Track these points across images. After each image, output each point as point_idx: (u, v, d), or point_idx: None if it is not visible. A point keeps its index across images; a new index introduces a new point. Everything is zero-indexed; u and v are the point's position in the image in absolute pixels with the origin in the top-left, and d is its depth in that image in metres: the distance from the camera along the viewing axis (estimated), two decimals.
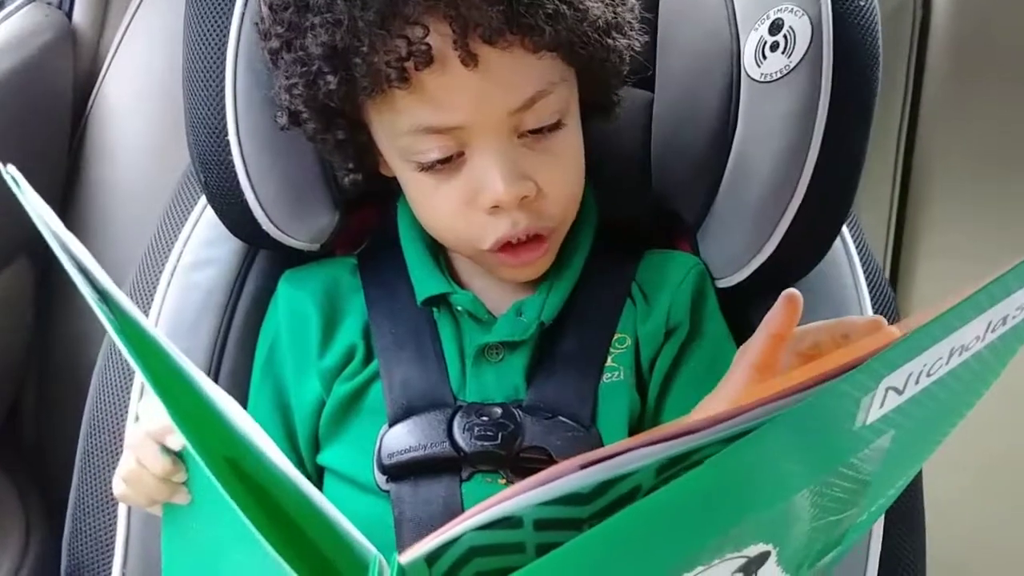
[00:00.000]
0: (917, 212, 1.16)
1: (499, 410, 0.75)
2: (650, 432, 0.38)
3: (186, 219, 0.89)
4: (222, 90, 0.80)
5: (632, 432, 0.76)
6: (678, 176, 0.85)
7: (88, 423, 0.85)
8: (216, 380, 0.83)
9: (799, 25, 0.76)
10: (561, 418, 0.74)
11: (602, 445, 0.73)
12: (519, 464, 0.72)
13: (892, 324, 0.55)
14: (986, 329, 0.42)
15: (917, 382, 0.41)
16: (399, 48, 0.67)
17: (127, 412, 0.83)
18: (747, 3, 0.80)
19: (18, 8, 1.09)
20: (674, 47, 0.85)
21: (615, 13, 0.74)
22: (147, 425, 0.61)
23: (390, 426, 0.75)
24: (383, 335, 0.80)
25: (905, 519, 0.81)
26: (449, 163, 0.72)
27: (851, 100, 0.76)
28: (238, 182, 0.81)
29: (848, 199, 0.79)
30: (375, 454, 0.75)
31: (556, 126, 0.73)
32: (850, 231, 0.88)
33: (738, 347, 0.62)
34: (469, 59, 0.67)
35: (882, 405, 0.41)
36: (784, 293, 0.58)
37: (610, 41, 0.74)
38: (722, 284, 0.83)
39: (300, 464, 0.79)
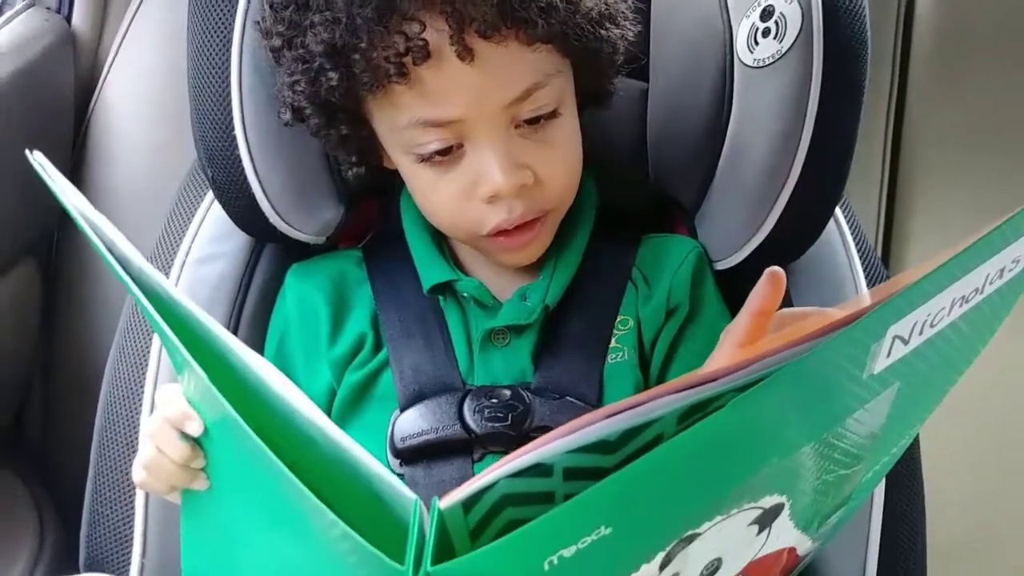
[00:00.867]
0: (907, 193, 1.18)
1: (508, 392, 0.76)
2: (672, 382, 0.40)
3: (193, 215, 0.91)
4: (228, 87, 0.81)
5: None
6: (675, 163, 0.87)
7: (102, 417, 0.87)
8: None
9: (789, 11, 0.78)
10: (569, 398, 0.76)
11: None
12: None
13: None
14: (985, 281, 0.44)
15: (921, 332, 0.43)
16: (397, 44, 0.69)
17: (141, 404, 0.85)
18: None
19: (18, 13, 1.10)
20: (668, 36, 0.87)
21: (607, 4, 0.75)
22: (165, 412, 0.61)
23: (401, 411, 0.77)
24: (391, 324, 0.81)
25: (904, 485, 0.83)
26: (449, 155, 0.73)
27: (842, 82, 0.78)
28: (245, 176, 0.82)
29: (841, 180, 0.81)
30: (388, 439, 0.76)
31: (552, 115, 0.74)
32: (843, 212, 0.91)
33: None
34: (465, 53, 0.69)
35: (889, 354, 0.43)
36: (767, 271, 0.58)
37: (603, 32, 0.75)
38: (720, 266, 0.85)
39: None
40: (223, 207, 0.86)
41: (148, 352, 0.86)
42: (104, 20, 1.13)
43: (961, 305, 0.44)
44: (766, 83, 0.79)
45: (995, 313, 0.50)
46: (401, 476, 0.75)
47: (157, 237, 0.91)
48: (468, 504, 0.40)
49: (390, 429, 0.76)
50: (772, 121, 0.79)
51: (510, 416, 0.74)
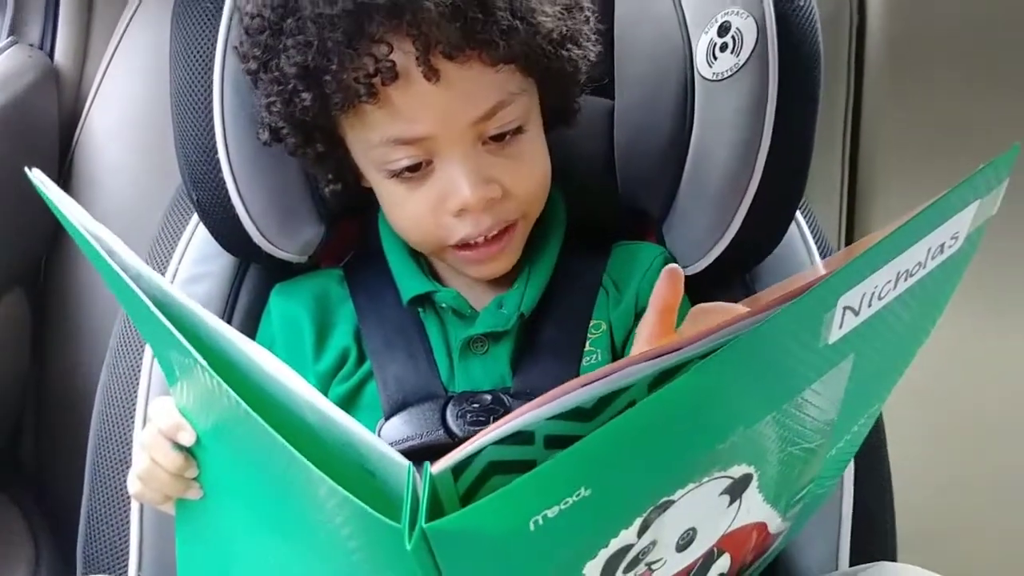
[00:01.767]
0: (866, 196, 1.23)
1: (488, 397, 0.79)
2: (641, 352, 0.43)
3: (179, 238, 0.93)
4: (210, 112, 0.84)
5: None
6: (642, 175, 0.90)
7: (96, 433, 0.89)
8: None
9: (745, 26, 0.81)
10: None
11: None
12: None
13: None
14: (927, 255, 0.48)
15: (870, 304, 0.47)
16: (366, 65, 0.72)
17: (134, 419, 0.87)
18: (696, 8, 0.85)
19: (1, 51, 1.12)
20: (630, 54, 0.90)
21: (568, 26, 0.78)
22: (159, 423, 0.63)
23: (386, 419, 0.79)
24: (373, 337, 0.84)
25: (872, 474, 0.87)
26: (419, 171, 0.76)
27: (797, 93, 0.81)
28: (229, 198, 0.85)
29: (800, 185, 0.85)
30: None
31: (518, 131, 0.77)
32: (804, 217, 0.94)
33: None
34: (431, 74, 0.72)
35: (841, 325, 0.46)
36: (665, 269, 0.62)
37: (564, 52, 0.78)
38: (688, 272, 0.87)
39: None
40: (208, 229, 0.89)
41: (139, 367, 0.88)
42: (86, 54, 1.16)
43: (906, 279, 0.48)
44: (725, 95, 0.83)
45: (940, 290, 0.54)
46: None
47: (144, 260, 0.93)
48: (457, 470, 0.42)
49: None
50: (732, 131, 0.83)
51: (491, 419, 0.77)
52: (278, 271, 0.90)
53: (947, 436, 1.23)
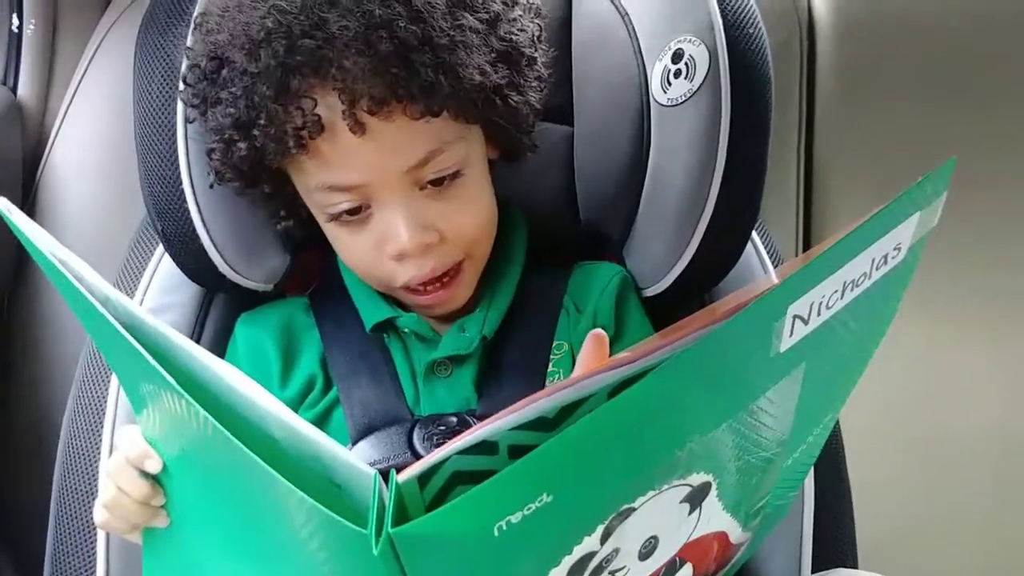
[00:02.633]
0: (821, 217, 1.26)
1: (454, 419, 0.80)
2: (601, 364, 0.45)
3: (143, 270, 0.93)
4: (174, 144, 0.84)
5: None
6: (601, 199, 0.92)
7: (62, 465, 0.88)
8: None
9: (698, 53, 0.83)
10: None
11: None
12: None
13: None
14: (871, 265, 0.50)
15: (819, 314, 0.49)
16: (294, 119, 0.73)
17: (100, 450, 0.86)
18: (650, 37, 0.87)
19: None
20: (588, 82, 0.92)
21: (503, 75, 0.77)
22: (125, 451, 0.63)
23: (353, 444, 0.79)
24: (339, 364, 0.85)
25: (832, 486, 0.89)
26: (359, 214, 0.78)
27: (749, 117, 0.84)
28: (194, 228, 0.85)
29: (755, 205, 0.87)
30: None
31: (456, 176, 0.78)
32: (760, 238, 0.96)
33: None
34: (357, 127, 0.72)
35: (791, 334, 0.48)
36: (590, 335, 0.63)
37: (500, 102, 0.78)
38: (649, 293, 0.90)
39: None
40: (173, 259, 0.89)
41: (106, 397, 0.88)
42: (49, 90, 1.16)
43: (852, 289, 0.50)
44: (680, 120, 0.85)
45: (886, 301, 0.56)
46: None
47: None
48: (423, 479, 0.43)
49: None
50: (688, 154, 0.84)
51: None
52: (243, 301, 0.91)
53: (906, 450, 1.26)
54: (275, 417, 0.50)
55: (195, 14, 0.80)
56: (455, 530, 0.42)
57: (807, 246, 1.27)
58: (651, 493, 0.50)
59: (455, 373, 0.83)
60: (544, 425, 0.44)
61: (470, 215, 0.80)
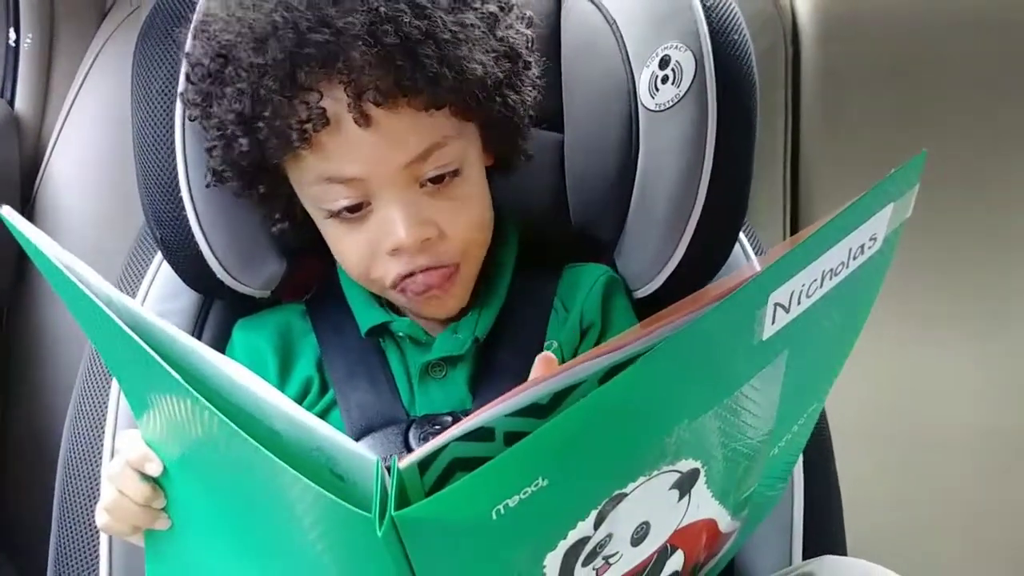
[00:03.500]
0: (807, 218, 1.28)
1: (449, 419, 0.81)
2: (591, 351, 0.47)
3: (143, 277, 0.95)
4: (172, 151, 0.86)
5: None
6: (592, 204, 0.94)
7: (64, 469, 0.90)
8: None
9: (684, 59, 0.85)
10: None
11: None
12: None
13: None
14: (848, 255, 0.52)
15: (799, 302, 0.50)
16: (299, 112, 0.74)
17: (101, 455, 0.88)
18: (637, 44, 0.89)
19: None
20: (577, 89, 0.94)
21: (503, 72, 0.79)
22: (126, 455, 0.65)
23: None
24: (336, 367, 0.86)
25: (821, 477, 0.90)
26: (358, 211, 0.78)
27: (735, 120, 0.86)
28: (192, 236, 0.87)
29: (742, 207, 0.89)
30: None
31: (455, 174, 0.79)
32: (748, 239, 0.98)
33: None
34: (362, 120, 0.74)
35: (773, 321, 0.50)
36: (539, 357, 0.64)
37: (499, 98, 0.79)
38: (640, 294, 0.91)
39: None
40: (172, 267, 0.91)
41: (106, 403, 0.90)
42: (46, 102, 1.18)
43: (831, 278, 0.52)
44: (668, 124, 0.87)
45: (864, 290, 0.58)
46: None
47: None
48: (423, 465, 0.45)
49: None
50: (676, 158, 0.86)
51: None
52: (241, 307, 0.92)
53: (890, 446, 1.28)
54: (277, 409, 0.51)
55: (195, 22, 0.82)
56: (455, 513, 0.44)
57: None
58: (642, 479, 0.51)
59: (449, 374, 0.84)
60: (538, 411, 0.46)
61: (468, 215, 0.81)
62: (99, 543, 0.87)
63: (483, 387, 0.84)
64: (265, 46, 0.74)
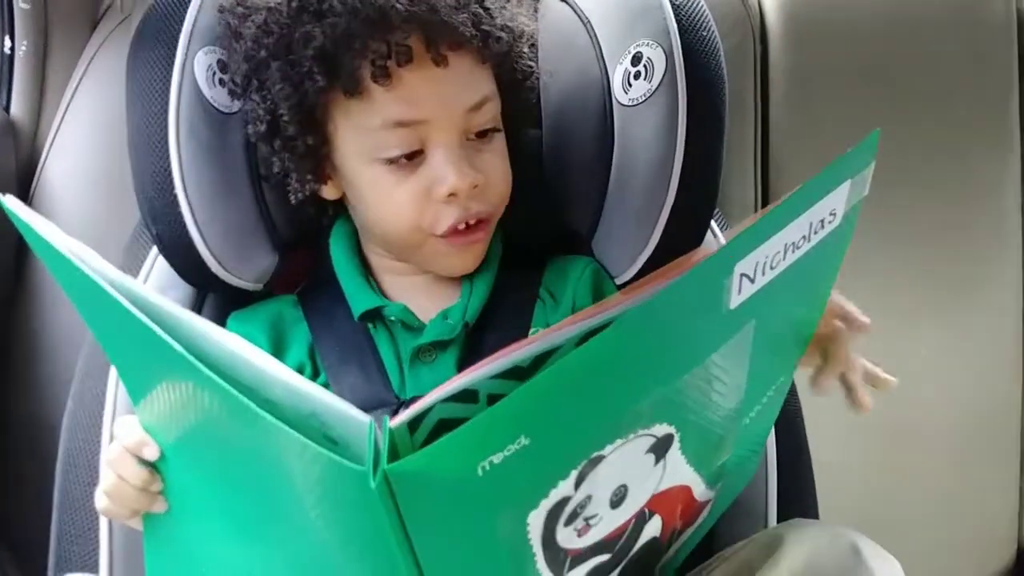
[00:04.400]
0: None
1: None
2: (570, 316, 0.50)
3: (138, 272, 0.97)
4: (167, 149, 0.88)
5: None
6: (570, 197, 0.97)
7: (64, 456, 0.92)
8: None
9: (655, 55, 0.89)
10: None
11: None
12: None
13: None
14: (809, 229, 0.56)
15: (764, 273, 0.54)
16: (382, 49, 0.80)
17: (100, 442, 0.90)
18: (611, 41, 0.93)
19: None
20: (554, 87, 0.97)
21: (532, 37, 0.91)
22: (124, 440, 0.67)
23: None
24: (328, 353, 0.89)
25: (794, 457, 0.94)
26: (411, 160, 0.84)
27: (705, 113, 0.89)
28: (188, 231, 0.89)
29: (713, 195, 0.92)
30: None
31: (494, 131, 0.87)
32: (721, 229, 1.02)
33: None
34: (440, 60, 0.81)
35: (740, 291, 0.54)
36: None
37: (531, 62, 0.91)
38: (619, 281, 0.94)
39: None
40: (168, 261, 0.93)
41: (105, 390, 0.92)
42: (41, 108, 1.20)
43: (794, 251, 0.55)
44: (641, 118, 0.90)
45: (826, 264, 0.62)
46: None
47: None
48: (412, 425, 0.48)
49: None
50: (649, 150, 0.89)
51: None
52: (234, 301, 0.95)
53: (864, 432, 1.31)
54: (272, 376, 0.53)
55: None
56: (444, 469, 0.47)
57: None
58: (619, 441, 0.55)
59: (439, 358, 0.87)
60: (519, 374, 0.49)
61: (504, 169, 0.89)
62: (99, 528, 0.89)
63: None
64: None
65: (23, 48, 1.19)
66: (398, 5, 0.80)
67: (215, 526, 0.65)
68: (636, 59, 0.90)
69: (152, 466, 0.67)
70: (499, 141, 0.89)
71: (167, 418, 0.62)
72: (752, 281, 0.54)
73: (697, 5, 0.91)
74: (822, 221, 0.56)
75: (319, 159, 0.88)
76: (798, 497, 0.94)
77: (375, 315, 0.90)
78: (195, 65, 0.89)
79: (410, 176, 0.85)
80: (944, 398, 1.36)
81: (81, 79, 1.22)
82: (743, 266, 0.52)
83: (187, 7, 0.89)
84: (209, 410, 0.56)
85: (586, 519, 0.58)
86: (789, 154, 1.34)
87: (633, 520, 0.63)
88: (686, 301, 0.51)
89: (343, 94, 0.83)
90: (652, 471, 0.60)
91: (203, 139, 0.89)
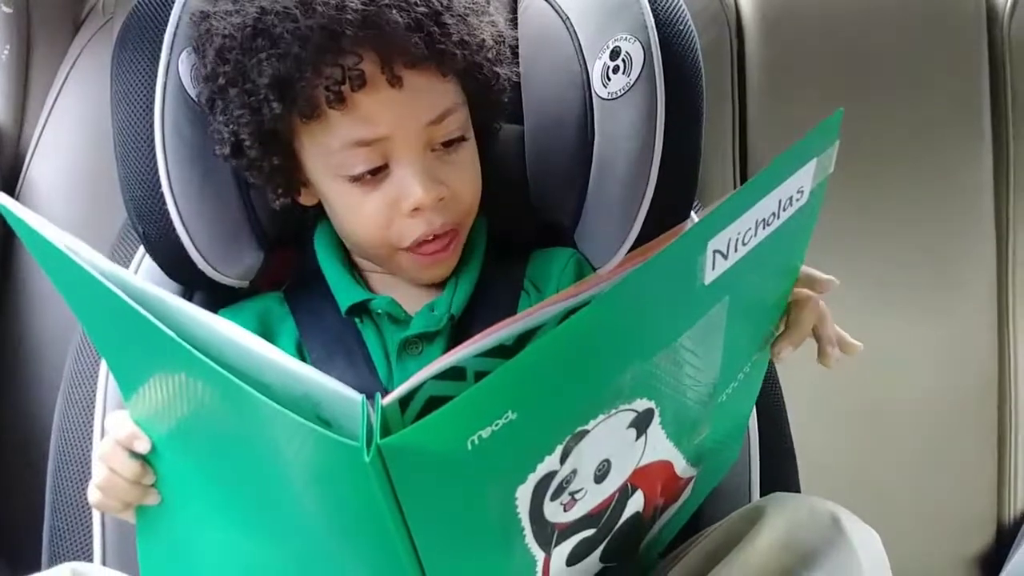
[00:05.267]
0: None
1: None
2: (552, 296, 0.52)
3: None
4: (153, 149, 0.89)
5: None
6: (553, 190, 0.98)
7: (56, 452, 0.93)
8: None
9: (633, 50, 0.91)
10: None
11: None
12: None
13: None
14: (779, 206, 0.57)
15: (736, 249, 0.56)
16: (336, 74, 0.80)
17: (92, 437, 0.91)
18: (589, 36, 0.94)
19: None
20: (534, 82, 0.99)
21: (497, 46, 0.90)
22: (116, 434, 0.68)
23: None
24: (315, 347, 0.90)
25: (778, 456, 0.96)
26: (376, 175, 0.84)
27: (682, 105, 0.91)
28: (174, 230, 0.90)
29: (692, 185, 0.94)
30: None
31: (460, 140, 0.87)
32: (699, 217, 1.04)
33: None
34: (395, 80, 0.81)
35: (714, 267, 0.55)
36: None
37: (496, 69, 0.90)
38: (601, 272, 0.96)
39: None
40: (154, 259, 0.94)
41: (95, 385, 0.93)
42: (25, 111, 1.21)
43: (764, 227, 0.57)
44: (620, 111, 0.92)
45: (795, 240, 0.64)
46: None
47: None
48: (403, 403, 0.50)
49: None
50: (628, 142, 0.91)
51: None
52: (220, 299, 0.95)
53: (842, 420, 1.33)
54: (265, 359, 0.54)
55: (194, 11, 0.87)
56: (435, 443, 0.48)
57: None
58: (601, 416, 0.56)
59: (425, 350, 0.88)
60: (504, 352, 0.51)
61: (471, 179, 0.90)
62: (92, 522, 0.90)
63: None
64: (310, 10, 0.80)
65: (6, 52, 1.19)
66: (347, 30, 0.80)
67: (208, 517, 0.66)
68: (615, 53, 0.92)
69: (144, 459, 0.68)
70: (467, 150, 0.89)
71: (158, 411, 0.63)
72: (725, 257, 0.55)
73: (674, 0, 0.92)
74: (790, 198, 0.58)
75: (288, 174, 0.89)
76: (781, 480, 0.96)
77: (362, 309, 0.91)
78: (180, 65, 0.90)
79: (376, 190, 0.85)
80: (921, 377, 1.38)
81: (65, 81, 1.23)
82: (716, 243, 0.54)
83: (171, 8, 0.90)
84: (201, 399, 0.57)
85: (572, 493, 0.59)
86: (766, 145, 1.37)
87: (617, 494, 0.64)
88: (662, 278, 0.53)
89: (300, 119, 0.83)
90: (634, 446, 0.62)
91: (188, 138, 0.90)
